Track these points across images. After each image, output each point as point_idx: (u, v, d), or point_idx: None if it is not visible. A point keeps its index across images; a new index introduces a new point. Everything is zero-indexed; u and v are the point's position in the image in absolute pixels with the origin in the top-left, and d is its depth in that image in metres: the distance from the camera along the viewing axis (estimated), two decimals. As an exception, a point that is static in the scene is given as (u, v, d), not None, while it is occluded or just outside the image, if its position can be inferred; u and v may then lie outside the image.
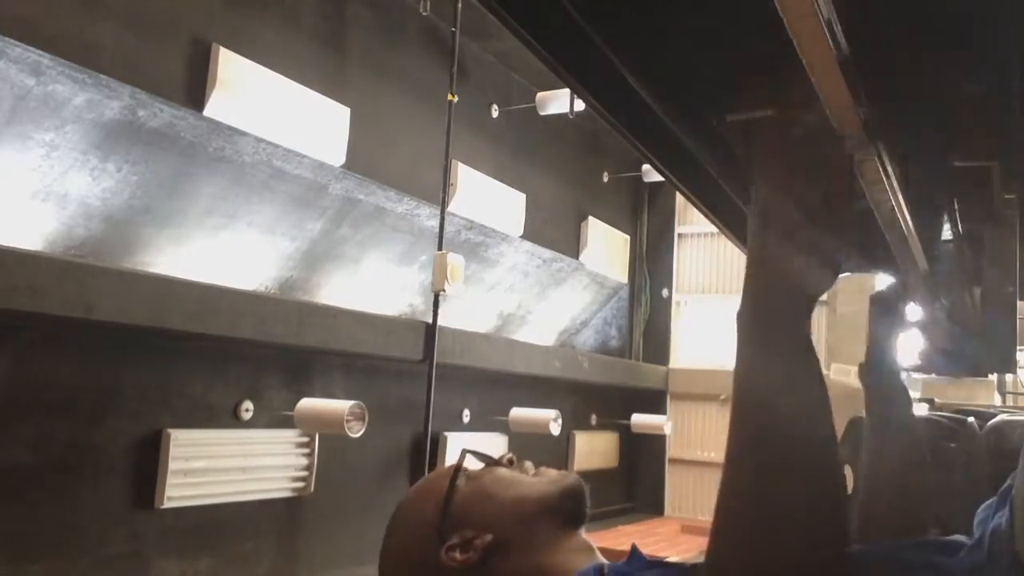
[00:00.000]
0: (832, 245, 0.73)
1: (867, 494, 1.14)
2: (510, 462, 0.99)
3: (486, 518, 0.90)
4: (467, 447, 1.01)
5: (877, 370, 1.22)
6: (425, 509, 0.93)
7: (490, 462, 0.99)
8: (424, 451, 3.87)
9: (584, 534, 0.95)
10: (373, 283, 4.28)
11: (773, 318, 0.72)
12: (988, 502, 0.94)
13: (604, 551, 0.95)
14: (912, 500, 1.13)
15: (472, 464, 0.98)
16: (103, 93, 2.82)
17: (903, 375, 1.26)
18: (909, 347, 1.33)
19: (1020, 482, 0.76)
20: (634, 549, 0.95)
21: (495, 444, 4.57)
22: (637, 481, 6.62)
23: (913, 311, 1.29)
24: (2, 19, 2.54)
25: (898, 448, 1.16)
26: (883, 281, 1.33)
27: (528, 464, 0.99)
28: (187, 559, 3.14)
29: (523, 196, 5.09)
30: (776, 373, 0.71)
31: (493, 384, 4.81)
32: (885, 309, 1.25)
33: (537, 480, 0.96)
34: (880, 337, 1.24)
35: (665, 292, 6.88)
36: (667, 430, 6.24)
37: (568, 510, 0.93)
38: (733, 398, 0.72)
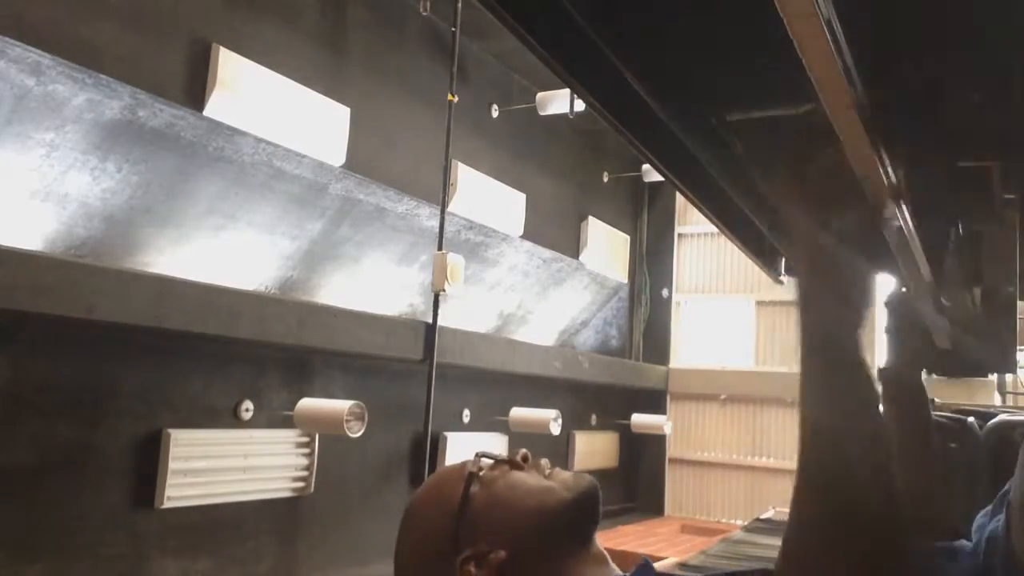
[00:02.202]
0: (860, 283, 0.79)
1: None
2: (524, 459, 0.96)
3: (500, 531, 0.88)
4: (480, 449, 0.98)
5: (896, 374, 1.23)
6: (438, 516, 0.91)
7: (503, 461, 0.96)
8: (424, 451, 3.87)
9: (598, 539, 0.93)
10: (373, 283, 4.28)
11: (826, 355, 0.77)
12: (986, 508, 0.94)
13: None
14: (926, 503, 1.13)
15: (485, 460, 0.96)
16: (103, 93, 2.82)
17: (923, 380, 1.27)
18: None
19: (1017, 487, 0.76)
20: (645, 562, 0.94)
21: (495, 444, 4.57)
22: (637, 481, 6.62)
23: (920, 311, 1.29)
24: (2, 19, 2.54)
25: (914, 453, 1.17)
26: (884, 281, 1.33)
27: (544, 462, 0.96)
28: (187, 559, 3.14)
29: (523, 196, 5.09)
30: (831, 402, 0.76)
31: (493, 384, 4.81)
32: (899, 312, 1.26)
33: (552, 488, 0.92)
34: (897, 340, 1.24)
35: (665, 292, 6.88)
36: (667, 430, 6.24)
37: (582, 522, 0.91)
38: (799, 424, 0.76)
